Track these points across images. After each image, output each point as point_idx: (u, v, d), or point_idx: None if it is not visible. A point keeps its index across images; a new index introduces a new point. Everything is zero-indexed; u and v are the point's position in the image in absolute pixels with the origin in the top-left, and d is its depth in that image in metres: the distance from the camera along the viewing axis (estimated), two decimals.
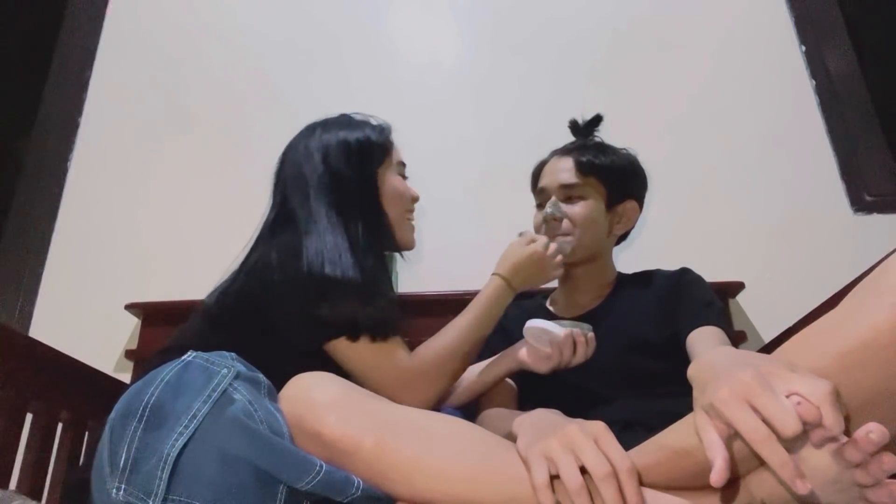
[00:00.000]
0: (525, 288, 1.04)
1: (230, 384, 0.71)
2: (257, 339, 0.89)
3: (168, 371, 0.73)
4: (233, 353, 0.77)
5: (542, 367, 0.97)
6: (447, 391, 0.98)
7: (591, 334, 0.96)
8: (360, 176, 1.01)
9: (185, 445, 0.65)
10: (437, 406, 1.04)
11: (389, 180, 1.04)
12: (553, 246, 1.04)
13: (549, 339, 0.94)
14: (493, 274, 1.03)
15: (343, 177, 0.99)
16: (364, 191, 1.00)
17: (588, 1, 1.81)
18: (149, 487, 0.63)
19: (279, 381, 0.76)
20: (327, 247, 0.90)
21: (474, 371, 1.05)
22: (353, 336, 0.89)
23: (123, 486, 0.65)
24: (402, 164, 1.11)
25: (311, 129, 1.07)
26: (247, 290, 0.92)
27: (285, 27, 1.84)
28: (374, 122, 1.08)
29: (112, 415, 0.72)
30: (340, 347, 0.90)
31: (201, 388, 0.70)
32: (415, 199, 1.11)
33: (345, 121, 1.07)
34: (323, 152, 1.01)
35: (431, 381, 0.93)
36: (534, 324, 0.95)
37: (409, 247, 1.09)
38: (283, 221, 0.99)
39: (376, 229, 1.00)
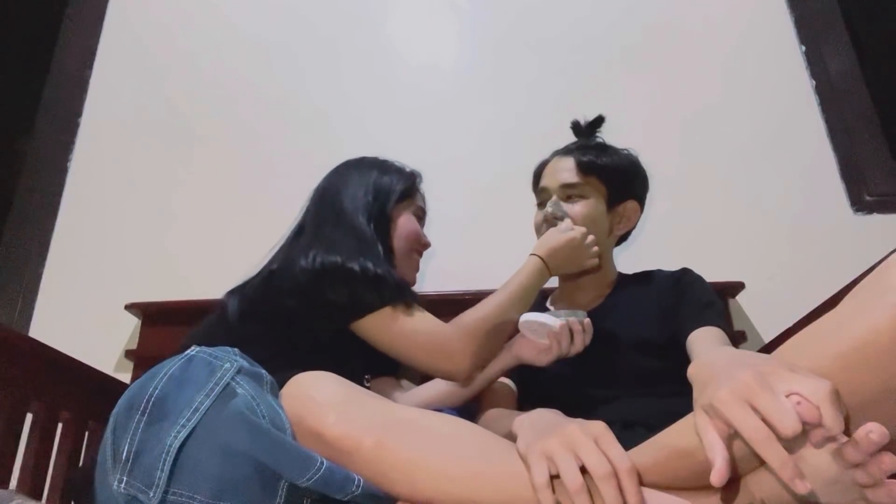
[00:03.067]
0: (560, 272, 1.09)
1: (233, 378, 0.71)
2: (275, 333, 0.93)
3: (171, 365, 0.74)
4: (236, 349, 0.78)
5: (542, 360, 0.97)
6: (484, 363, 1.00)
7: (587, 320, 0.95)
8: (377, 210, 1.09)
9: (186, 438, 0.65)
10: (437, 406, 1.04)
11: (402, 217, 1.13)
12: (591, 237, 1.07)
13: (545, 332, 0.94)
14: (530, 255, 1.06)
15: (361, 210, 1.07)
16: (377, 221, 1.08)
17: (594, 5, 1.81)
18: (150, 479, 0.63)
19: (286, 370, 0.77)
20: (336, 247, 0.97)
21: None
22: (382, 306, 0.93)
23: (125, 479, 0.65)
24: (422, 210, 1.20)
25: (344, 167, 1.17)
26: (267, 288, 0.97)
27: (283, 29, 1.84)
28: (406, 169, 1.19)
29: (116, 409, 0.73)
30: (370, 323, 0.93)
31: (204, 382, 0.70)
32: (424, 244, 1.19)
33: (377, 163, 1.17)
34: (351, 189, 1.11)
35: (469, 348, 0.95)
36: (529, 317, 0.95)
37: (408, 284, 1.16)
38: (301, 238, 1.08)
39: (383, 249, 1.05)
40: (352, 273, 0.92)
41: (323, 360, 0.90)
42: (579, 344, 0.94)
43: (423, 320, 0.95)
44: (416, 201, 1.19)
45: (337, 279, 0.92)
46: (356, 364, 1.04)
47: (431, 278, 1.48)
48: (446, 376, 0.98)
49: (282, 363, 0.80)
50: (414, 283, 1.18)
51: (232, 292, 1.02)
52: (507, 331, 1.00)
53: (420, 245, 1.18)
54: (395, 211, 1.12)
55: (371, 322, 0.93)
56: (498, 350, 1.02)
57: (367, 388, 1.07)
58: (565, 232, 1.06)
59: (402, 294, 0.95)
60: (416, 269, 1.18)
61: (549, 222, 1.11)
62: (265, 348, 0.85)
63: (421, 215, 1.21)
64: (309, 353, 0.94)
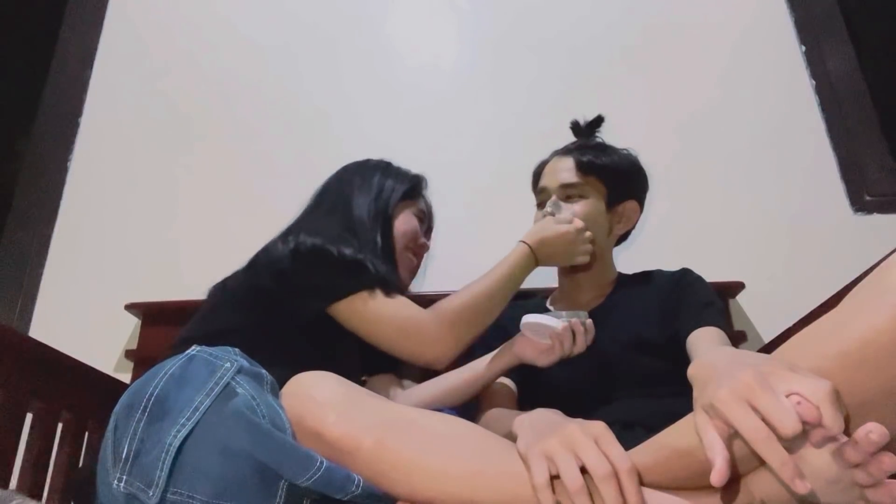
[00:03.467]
0: (548, 264, 1.06)
1: (233, 378, 0.71)
2: (254, 321, 0.92)
3: (172, 364, 0.74)
4: (236, 349, 0.78)
5: (543, 361, 0.96)
6: (464, 348, 0.99)
7: (588, 321, 0.95)
8: (379, 208, 1.08)
9: (186, 438, 0.65)
10: (437, 406, 1.04)
11: (401, 216, 1.12)
12: (588, 234, 1.06)
13: (548, 332, 0.93)
14: (520, 241, 1.05)
15: (363, 206, 1.07)
16: (378, 218, 1.07)
17: (594, 5, 1.81)
18: (149, 478, 0.63)
19: (277, 365, 0.77)
20: (318, 232, 0.96)
21: (473, 368, 1.05)
22: (360, 289, 0.92)
23: (125, 478, 0.65)
24: (423, 213, 1.18)
25: (348, 168, 1.17)
26: (248, 274, 0.97)
27: (283, 29, 1.84)
28: (410, 172, 1.18)
29: (117, 408, 0.73)
30: (347, 307, 0.92)
31: (204, 382, 0.70)
32: (420, 245, 1.17)
33: (381, 165, 1.17)
34: (354, 187, 1.11)
35: (449, 333, 0.93)
36: (531, 318, 0.94)
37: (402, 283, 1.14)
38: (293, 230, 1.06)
39: (382, 244, 1.05)
40: (328, 255, 0.91)
41: (308, 351, 0.91)
42: (581, 345, 0.94)
43: (401, 305, 0.94)
44: (419, 204, 1.18)
45: (312, 261, 0.91)
46: (348, 359, 1.04)
47: (431, 278, 1.48)
48: (423, 363, 0.97)
49: (265, 352, 0.80)
50: (408, 283, 1.16)
51: (215, 285, 1.02)
52: (491, 315, 0.99)
53: (416, 245, 1.16)
54: (395, 210, 1.12)
55: (347, 306, 0.92)
56: (480, 331, 1.00)
57: (363, 382, 1.07)
58: (561, 224, 1.05)
59: (380, 281, 0.94)
60: (411, 269, 1.17)
61: None
62: (245, 337, 0.84)
63: (422, 217, 1.19)
64: (292, 341, 0.93)
